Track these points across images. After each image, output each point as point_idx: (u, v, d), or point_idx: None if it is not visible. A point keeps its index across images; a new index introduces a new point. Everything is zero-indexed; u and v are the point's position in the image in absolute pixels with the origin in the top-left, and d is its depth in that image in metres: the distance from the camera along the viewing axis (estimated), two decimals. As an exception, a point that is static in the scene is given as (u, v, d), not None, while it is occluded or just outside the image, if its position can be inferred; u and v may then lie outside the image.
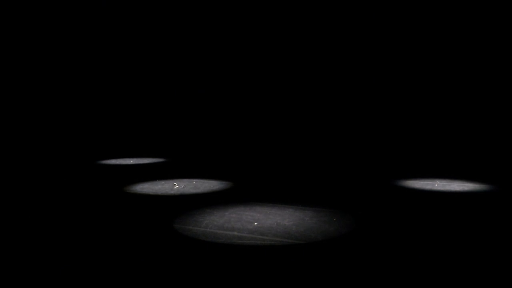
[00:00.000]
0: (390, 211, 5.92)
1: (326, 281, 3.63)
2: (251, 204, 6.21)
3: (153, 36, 13.72)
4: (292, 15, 12.19)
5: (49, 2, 13.35)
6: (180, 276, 3.79)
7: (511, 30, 10.22)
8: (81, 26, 13.79)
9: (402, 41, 11.26)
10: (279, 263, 3.99)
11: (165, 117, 13.61)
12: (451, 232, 4.91)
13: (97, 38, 14.07)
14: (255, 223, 5.21)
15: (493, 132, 10.47)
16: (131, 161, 11.07)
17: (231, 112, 13.03)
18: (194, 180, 8.30)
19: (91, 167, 10.33)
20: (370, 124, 11.67)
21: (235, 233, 4.85)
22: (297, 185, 7.91)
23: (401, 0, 11.15)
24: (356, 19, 11.63)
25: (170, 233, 5.05)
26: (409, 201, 6.56)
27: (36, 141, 13.01)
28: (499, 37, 10.36)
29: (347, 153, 11.45)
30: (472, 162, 10.08)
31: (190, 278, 3.73)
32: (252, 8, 12.45)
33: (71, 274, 3.80)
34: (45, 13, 13.41)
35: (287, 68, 12.52)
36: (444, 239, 4.68)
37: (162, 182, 8.09)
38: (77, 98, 14.16)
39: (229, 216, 5.58)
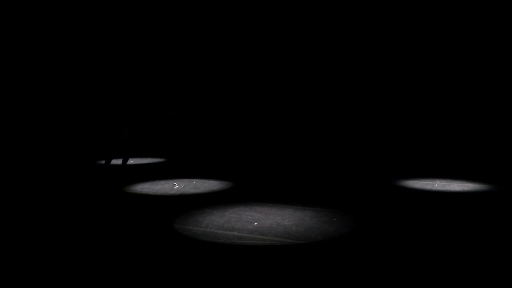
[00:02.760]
0: (390, 211, 5.92)
1: (326, 281, 3.63)
2: (251, 204, 6.22)
3: (152, 36, 13.72)
4: (292, 16, 12.18)
5: (49, 2, 13.35)
6: (180, 276, 3.79)
7: (511, 30, 10.22)
8: (81, 26, 13.79)
9: (402, 42, 11.26)
10: (279, 263, 3.99)
11: (165, 117, 13.60)
12: (451, 232, 4.91)
13: (97, 38, 14.07)
14: (255, 223, 5.21)
15: (493, 132, 10.47)
16: (131, 161, 11.07)
17: (231, 112, 13.02)
18: (194, 180, 8.31)
19: (91, 167, 10.33)
20: (370, 124, 11.67)
21: (235, 233, 4.85)
22: (297, 185, 7.91)
23: (401, 0, 11.15)
24: (356, 19, 11.62)
25: (170, 233, 5.05)
26: (409, 201, 6.57)
27: (36, 142, 13.01)
28: (499, 38, 10.36)
29: (347, 153, 11.45)
30: (472, 162, 10.08)
31: (190, 278, 3.73)
32: (252, 9, 12.45)
33: (71, 274, 3.80)
34: (45, 13, 13.40)
35: (287, 69, 12.51)
36: (444, 239, 4.68)
37: (162, 182, 8.09)
38: (77, 98, 14.15)
39: (229, 216, 5.58)
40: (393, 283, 3.60)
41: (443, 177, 8.28)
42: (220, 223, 5.24)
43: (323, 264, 3.99)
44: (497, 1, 10.25)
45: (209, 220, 5.40)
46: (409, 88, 11.28)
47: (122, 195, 7.12)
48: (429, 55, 11.06)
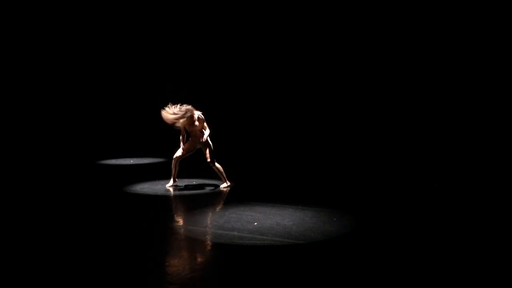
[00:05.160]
0: (390, 211, 5.92)
1: (326, 281, 3.63)
2: (251, 204, 6.22)
3: (151, 36, 13.73)
4: (291, 16, 12.18)
5: (50, 3, 13.35)
6: (180, 276, 3.79)
7: (510, 30, 10.21)
8: (81, 27, 13.79)
9: (402, 43, 11.25)
10: (279, 263, 3.99)
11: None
12: (450, 232, 4.91)
13: (97, 38, 14.07)
14: (255, 223, 5.22)
15: (492, 132, 10.46)
16: (131, 161, 11.07)
17: (231, 112, 13.02)
18: (194, 180, 8.31)
19: (91, 167, 10.33)
20: (370, 124, 11.66)
21: (235, 233, 4.85)
22: (297, 185, 7.91)
23: (401, 0, 11.14)
24: (355, 19, 11.62)
25: (170, 232, 5.06)
26: (409, 201, 6.56)
27: (37, 142, 13.00)
28: (499, 38, 10.35)
29: (347, 153, 11.45)
30: (472, 162, 10.07)
31: (190, 278, 3.73)
32: (252, 9, 12.45)
33: (71, 274, 3.80)
34: (46, 13, 13.41)
35: (287, 69, 12.51)
36: (443, 239, 4.68)
37: (162, 182, 8.08)
38: (77, 98, 14.15)
39: (229, 216, 5.58)
40: (393, 283, 3.60)
41: (442, 177, 8.28)
42: (220, 223, 5.24)
43: (323, 264, 3.99)
44: (497, 1, 10.23)
45: (209, 220, 5.40)
46: (409, 89, 11.27)
47: (122, 195, 7.12)
48: (429, 56, 11.06)
